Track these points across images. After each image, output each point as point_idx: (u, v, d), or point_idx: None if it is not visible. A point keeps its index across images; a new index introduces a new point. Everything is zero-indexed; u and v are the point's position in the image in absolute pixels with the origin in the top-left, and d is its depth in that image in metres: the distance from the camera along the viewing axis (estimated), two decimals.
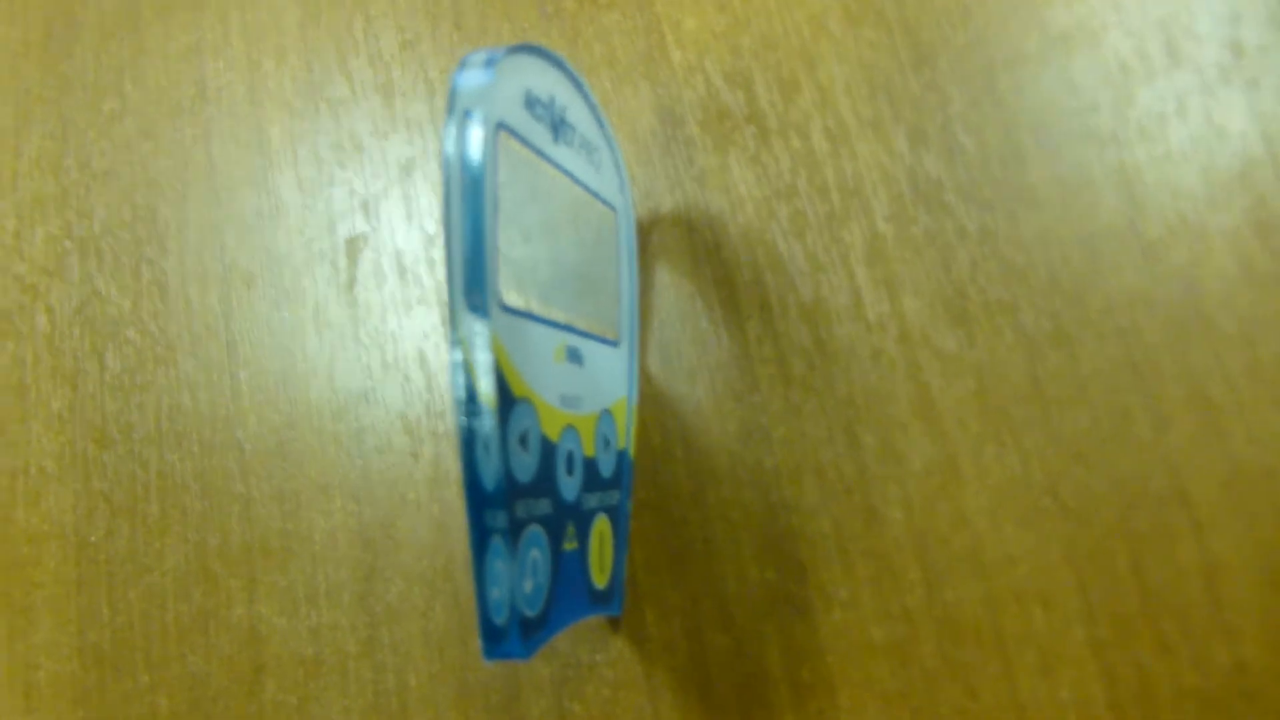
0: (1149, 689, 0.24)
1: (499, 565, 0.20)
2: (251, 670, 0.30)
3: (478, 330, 0.19)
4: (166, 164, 0.36)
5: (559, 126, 0.24)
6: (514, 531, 0.20)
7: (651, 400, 0.29)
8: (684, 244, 0.30)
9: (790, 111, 0.30)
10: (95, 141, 0.37)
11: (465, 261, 0.19)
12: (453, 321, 0.19)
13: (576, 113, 0.26)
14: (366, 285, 0.32)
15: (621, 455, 0.27)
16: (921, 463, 0.27)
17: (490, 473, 0.19)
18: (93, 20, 0.38)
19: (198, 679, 0.30)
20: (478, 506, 0.19)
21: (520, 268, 0.22)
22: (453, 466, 0.30)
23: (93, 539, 0.32)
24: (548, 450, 0.22)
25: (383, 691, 0.29)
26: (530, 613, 0.21)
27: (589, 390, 0.25)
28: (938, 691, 0.25)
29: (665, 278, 0.30)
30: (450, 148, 0.19)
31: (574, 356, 0.24)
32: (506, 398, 0.20)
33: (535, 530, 0.21)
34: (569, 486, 0.23)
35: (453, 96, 0.20)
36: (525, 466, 0.21)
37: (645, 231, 0.30)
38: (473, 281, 0.19)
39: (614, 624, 0.28)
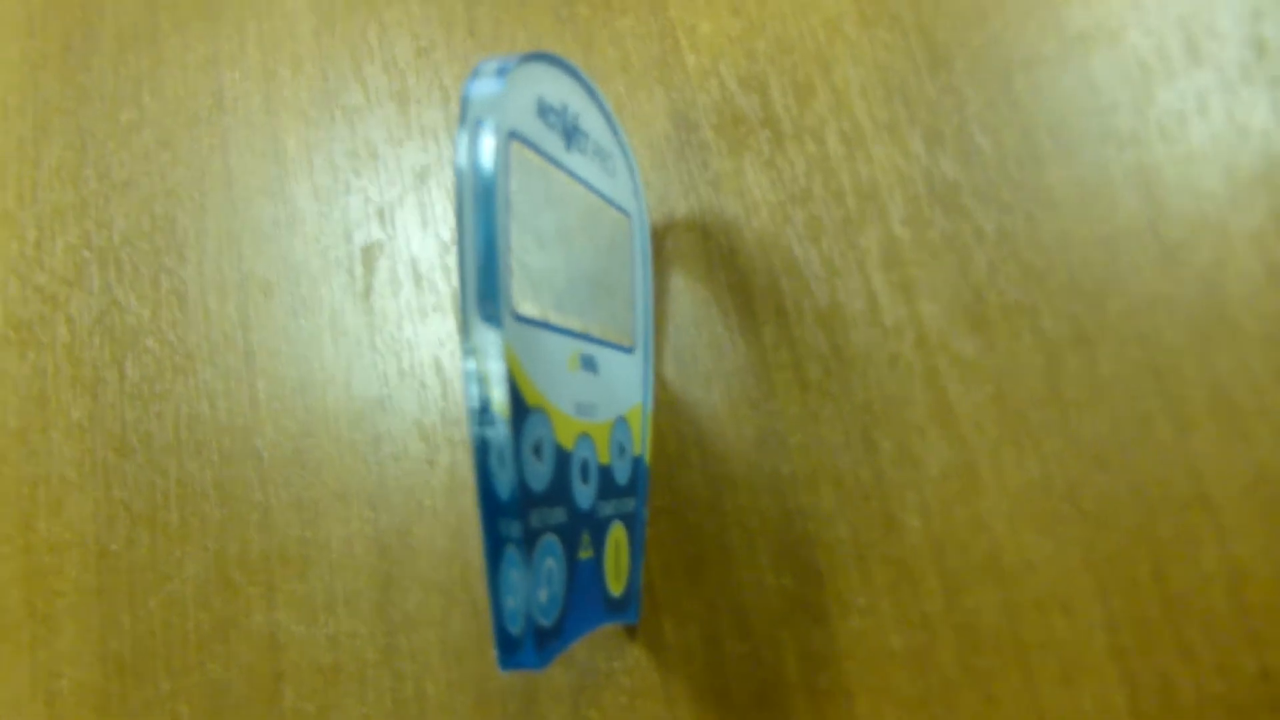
0: (1172, 697, 0.24)
1: (514, 575, 0.20)
2: (271, 678, 0.30)
3: (490, 340, 0.19)
4: (184, 174, 0.36)
5: (572, 134, 0.24)
6: (528, 541, 0.20)
7: (667, 407, 0.29)
8: (699, 249, 0.30)
9: (805, 115, 0.30)
10: (114, 152, 0.37)
11: (478, 271, 0.19)
12: (465, 331, 0.19)
13: (590, 119, 0.25)
14: (382, 293, 0.32)
15: (637, 462, 0.27)
16: (939, 468, 0.26)
17: (504, 482, 0.19)
18: (110, 32, 0.38)
19: (218, 687, 0.30)
20: (492, 516, 0.19)
21: (534, 276, 0.22)
22: (469, 474, 0.30)
23: (113, 547, 0.32)
24: (562, 459, 0.22)
25: (401, 700, 0.29)
26: (545, 622, 0.20)
27: (604, 398, 0.25)
28: (957, 699, 0.25)
29: (680, 283, 0.30)
30: (462, 157, 0.19)
31: (588, 364, 0.24)
32: (520, 407, 0.20)
33: (550, 539, 0.21)
34: (584, 495, 0.23)
35: (464, 106, 0.20)
36: (539, 476, 0.21)
37: (660, 237, 0.30)
38: (485, 291, 0.19)
39: (631, 632, 0.28)
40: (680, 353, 0.29)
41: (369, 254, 0.33)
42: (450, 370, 0.31)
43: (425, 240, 0.32)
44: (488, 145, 0.19)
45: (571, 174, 0.24)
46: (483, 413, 0.19)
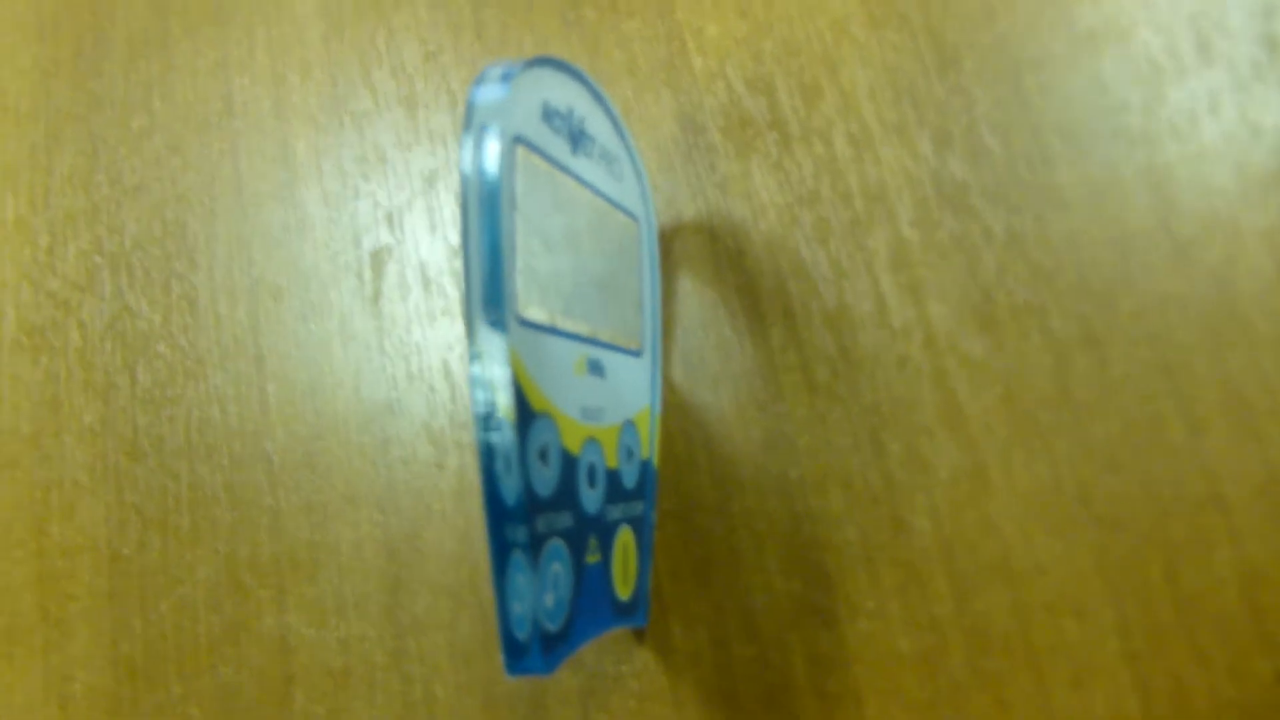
0: (1186, 701, 0.24)
1: (520, 580, 0.20)
2: (281, 681, 0.30)
3: (495, 345, 0.19)
4: (195, 179, 0.36)
5: (578, 138, 0.24)
6: (534, 546, 0.20)
7: (675, 410, 0.29)
8: (706, 252, 0.30)
9: (813, 117, 0.30)
10: (125, 158, 0.37)
11: (482, 276, 0.19)
12: (471, 337, 0.19)
13: (596, 123, 0.25)
14: (391, 297, 0.32)
15: (645, 466, 0.27)
16: (948, 471, 0.26)
17: (510, 488, 0.19)
18: (121, 38, 0.39)
19: (229, 690, 0.30)
20: (498, 522, 0.19)
21: (540, 281, 0.22)
22: (477, 477, 0.30)
23: (125, 551, 0.33)
24: (569, 464, 0.22)
25: (411, 703, 0.29)
26: (552, 627, 0.20)
27: (611, 402, 0.25)
28: (967, 703, 0.25)
29: (688, 286, 0.30)
30: (467, 163, 0.19)
31: (595, 368, 0.24)
32: (525, 412, 0.20)
33: (556, 544, 0.21)
34: (591, 499, 0.23)
35: (469, 111, 0.20)
36: (545, 481, 0.21)
37: (667, 240, 0.30)
38: (490, 296, 0.19)
39: (639, 635, 0.28)
40: (688, 355, 0.29)
41: (378, 258, 0.33)
42: (459, 374, 0.31)
43: (434, 244, 0.32)
44: (492, 150, 0.19)
45: (578, 178, 0.24)
46: (488, 418, 0.19)
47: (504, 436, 0.19)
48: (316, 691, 0.30)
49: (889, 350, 0.27)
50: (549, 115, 0.22)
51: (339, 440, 0.32)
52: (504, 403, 0.19)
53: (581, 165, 0.25)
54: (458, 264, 0.32)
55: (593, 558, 0.23)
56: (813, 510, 0.27)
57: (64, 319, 0.36)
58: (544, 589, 0.20)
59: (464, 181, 0.19)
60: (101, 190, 0.37)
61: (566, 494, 0.22)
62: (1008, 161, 0.28)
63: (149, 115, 0.37)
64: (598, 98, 0.26)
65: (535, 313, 0.21)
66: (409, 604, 0.30)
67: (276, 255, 0.34)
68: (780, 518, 0.27)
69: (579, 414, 0.23)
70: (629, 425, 0.26)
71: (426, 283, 0.32)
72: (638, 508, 0.26)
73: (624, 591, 0.25)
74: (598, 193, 0.26)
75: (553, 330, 0.22)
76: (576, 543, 0.22)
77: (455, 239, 0.32)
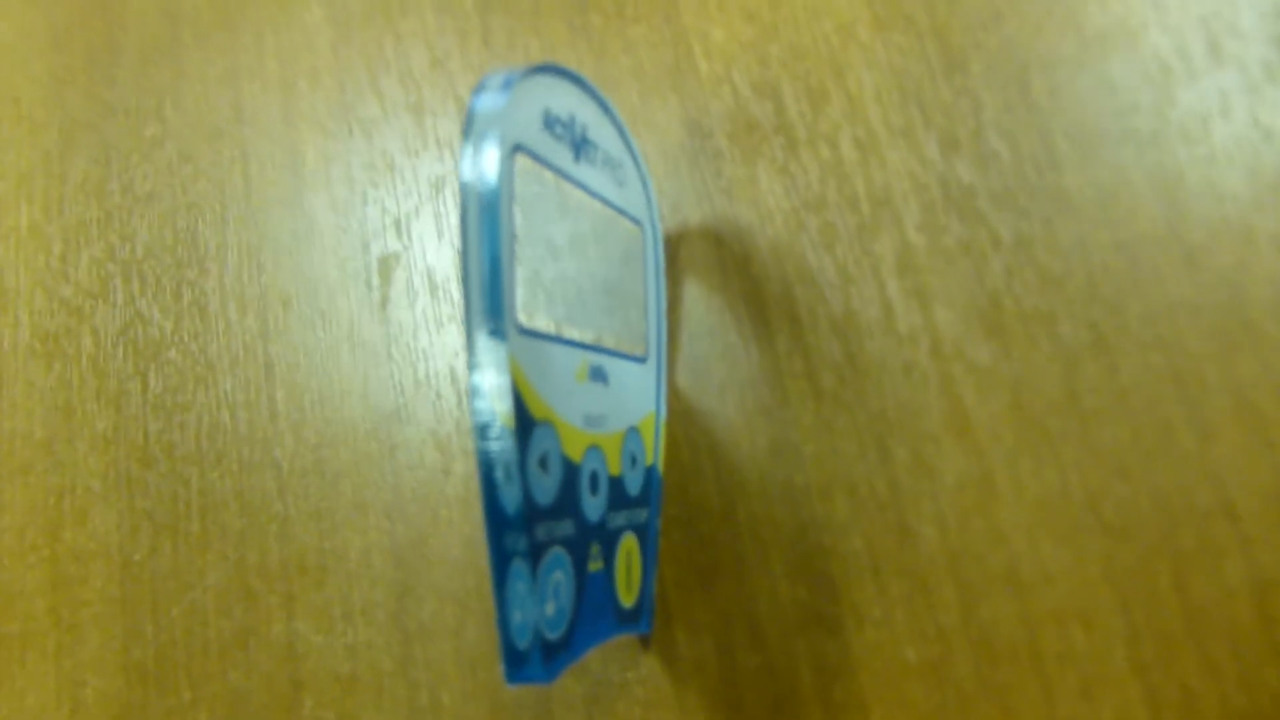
0: (1195, 712, 0.23)
1: (520, 589, 0.20)
2: (290, 687, 0.30)
3: (494, 353, 0.19)
4: (205, 186, 0.36)
5: (580, 145, 0.24)
6: (535, 555, 0.20)
7: (680, 416, 0.29)
8: (712, 258, 0.30)
9: (819, 121, 0.30)
10: (137, 165, 0.37)
11: (481, 284, 0.19)
12: (470, 346, 0.19)
13: (599, 130, 0.25)
14: (399, 303, 0.32)
15: (650, 472, 0.27)
16: (955, 478, 0.26)
17: (509, 497, 0.19)
18: (133, 46, 0.39)
19: (238, 695, 0.31)
20: (497, 531, 0.19)
21: (541, 289, 0.22)
22: None
23: (136, 557, 0.33)
24: (570, 471, 0.22)
25: (417, 709, 0.29)
26: (552, 636, 0.20)
27: (614, 409, 0.25)
28: (974, 712, 0.25)
29: (694, 292, 0.30)
30: (466, 172, 0.19)
31: (598, 375, 0.24)
32: (525, 421, 0.20)
33: (557, 552, 0.21)
34: (593, 507, 0.23)
35: (469, 120, 0.20)
36: (545, 489, 0.21)
37: (673, 246, 0.30)
38: (489, 304, 0.19)
39: (644, 642, 0.28)
40: (694, 362, 0.29)
41: (386, 265, 0.33)
42: (465, 380, 0.31)
43: (441, 250, 0.32)
44: (491, 159, 0.19)
45: (580, 185, 0.24)
46: (487, 427, 0.19)
47: (503, 445, 0.19)
48: (324, 697, 0.30)
49: (895, 356, 0.27)
50: (550, 123, 0.22)
51: (347, 447, 0.32)
52: (503, 411, 0.19)
53: (584, 172, 0.25)
54: None
55: (595, 565, 0.23)
56: (819, 517, 0.27)
57: (77, 326, 0.36)
58: (544, 598, 0.20)
59: (463, 190, 0.19)
60: (114, 198, 0.37)
61: (568, 502, 0.22)
62: (1015, 165, 0.27)
63: (161, 123, 0.38)
64: (601, 104, 0.25)
65: (536, 320, 0.21)
66: (416, 610, 0.30)
67: (286, 262, 0.34)
68: (786, 525, 0.27)
69: (581, 421, 0.23)
70: (633, 432, 0.26)
71: (434, 289, 0.32)
72: (642, 515, 0.26)
73: (627, 599, 0.25)
74: (601, 199, 0.26)
75: (554, 338, 0.22)
76: (578, 550, 0.22)
77: None
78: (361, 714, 0.29)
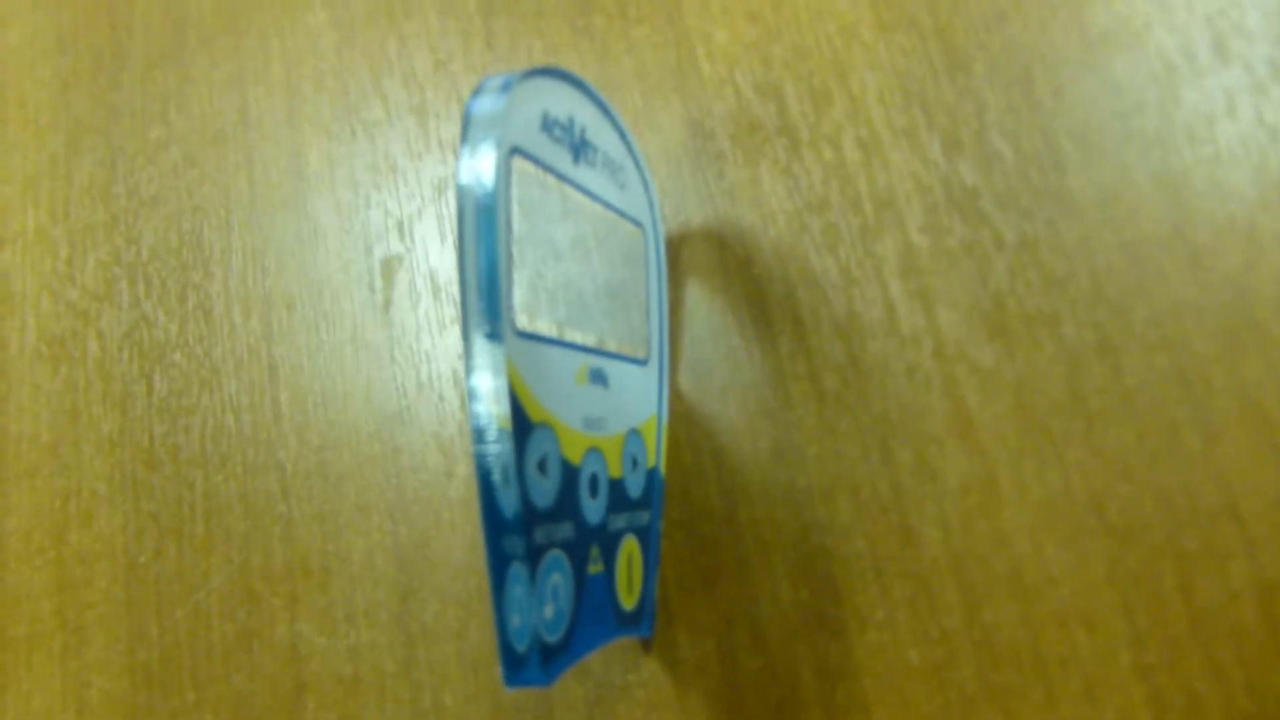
0: (1200, 716, 0.23)
1: (518, 591, 0.20)
2: (293, 689, 0.30)
3: (491, 356, 0.19)
4: (210, 190, 0.36)
5: (579, 147, 0.24)
6: (533, 557, 0.20)
7: (682, 418, 0.29)
8: (715, 260, 0.30)
9: (822, 122, 0.30)
10: (143, 169, 0.37)
11: (478, 287, 0.19)
12: (467, 348, 0.19)
13: (599, 132, 0.25)
14: (402, 306, 0.32)
15: (651, 474, 0.27)
16: (959, 480, 0.26)
17: (507, 500, 0.19)
18: (139, 50, 0.39)
19: (242, 697, 0.31)
20: (495, 534, 0.19)
21: (540, 291, 0.22)
22: None
23: (141, 559, 0.33)
24: (569, 474, 0.22)
25: (420, 711, 0.29)
26: (551, 639, 0.20)
27: (614, 411, 0.25)
28: (977, 716, 0.25)
29: (696, 294, 0.30)
30: (462, 175, 0.19)
31: (597, 378, 0.24)
32: (523, 423, 0.20)
33: (556, 555, 0.21)
34: (593, 509, 0.23)
35: (466, 123, 0.20)
36: (544, 492, 0.21)
37: (675, 248, 0.30)
38: (485, 307, 0.19)
39: (646, 645, 0.28)
40: (696, 364, 0.29)
41: (389, 267, 0.33)
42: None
43: (444, 253, 0.32)
44: (487, 162, 0.19)
45: (580, 188, 0.24)
46: (484, 430, 0.19)
47: (501, 448, 0.19)
48: (327, 699, 0.30)
49: (898, 358, 0.27)
50: (549, 125, 0.22)
51: (350, 449, 0.32)
52: (501, 414, 0.19)
53: (583, 174, 0.24)
54: None
55: (595, 568, 0.23)
56: (821, 520, 0.27)
57: (83, 329, 0.36)
58: (543, 600, 0.20)
59: (460, 193, 0.19)
60: (120, 201, 0.37)
61: (567, 504, 0.22)
62: (1019, 166, 0.27)
63: (166, 127, 0.38)
64: (600, 106, 0.25)
65: (532, 323, 0.21)
66: (418, 612, 0.30)
67: (289, 265, 0.34)
68: (788, 527, 0.27)
69: (580, 424, 0.23)
70: (634, 434, 0.26)
71: (436, 291, 0.32)
72: (643, 517, 0.26)
73: (628, 602, 0.25)
74: (601, 202, 0.26)
75: (552, 340, 0.22)
76: (578, 553, 0.22)
77: None
78: (364, 716, 0.29)
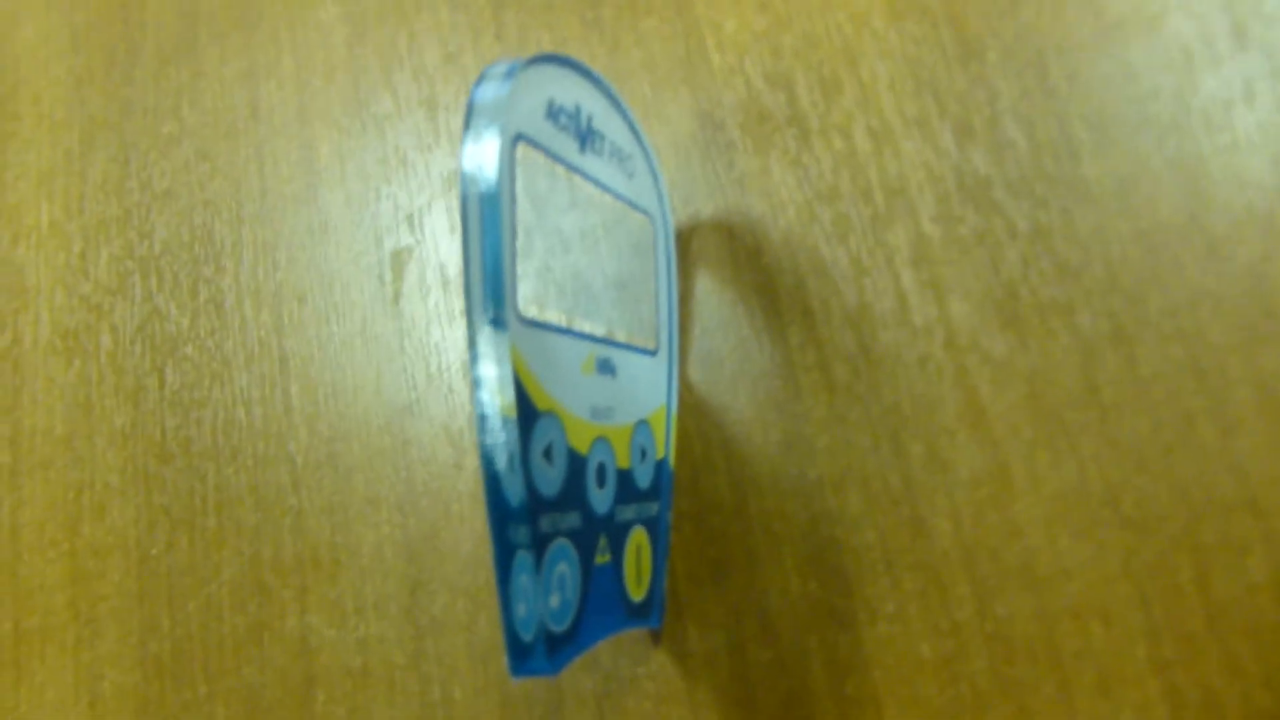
0: (1217, 712, 0.23)
1: (524, 580, 0.19)
2: (303, 681, 0.30)
3: (495, 343, 0.19)
4: (222, 184, 0.36)
5: (586, 136, 0.24)
6: (539, 546, 0.20)
7: (692, 410, 0.29)
8: (724, 250, 0.29)
9: (832, 111, 0.29)
10: (155, 163, 0.38)
11: (482, 274, 0.19)
12: (470, 334, 0.19)
13: (606, 120, 0.25)
14: (411, 298, 0.32)
15: (660, 466, 0.27)
16: (971, 472, 0.26)
17: (512, 488, 0.19)
18: (152, 46, 0.39)
19: (252, 690, 0.31)
20: (500, 522, 0.19)
21: (545, 279, 0.22)
22: None
23: (153, 552, 0.33)
24: (576, 463, 0.22)
25: (429, 703, 0.29)
26: (557, 628, 0.20)
27: (622, 401, 0.25)
28: (989, 710, 0.24)
29: (705, 285, 0.29)
30: (466, 161, 0.19)
31: (605, 368, 0.24)
32: (528, 411, 0.20)
33: (562, 544, 0.21)
34: (600, 499, 0.23)
35: (469, 110, 0.20)
36: (550, 480, 0.21)
37: (685, 238, 0.30)
38: (489, 294, 0.19)
39: (655, 637, 0.27)
40: (705, 355, 0.29)
41: (398, 259, 0.33)
42: None
43: (453, 245, 0.32)
44: (490, 148, 0.19)
45: (587, 176, 0.24)
46: (489, 417, 0.19)
47: (506, 435, 0.19)
48: (337, 692, 0.30)
49: (910, 349, 0.27)
50: (554, 113, 0.22)
51: (360, 441, 0.32)
52: (505, 401, 0.19)
53: (590, 163, 0.24)
54: None
55: (602, 558, 0.23)
56: (831, 512, 0.27)
57: (96, 323, 0.36)
58: (549, 590, 0.20)
59: (463, 180, 0.19)
60: (132, 196, 0.38)
61: (573, 494, 0.22)
62: (1032, 154, 0.27)
63: (178, 122, 0.38)
64: (608, 94, 0.25)
65: (538, 311, 0.21)
66: (428, 605, 0.30)
67: (300, 258, 0.34)
68: (798, 519, 0.27)
69: (588, 413, 0.23)
70: (643, 425, 0.26)
71: (446, 283, 0.32)
72: (652, 508, 0.26)
73: (637, 593, 0.25)
74: (608, 190, 0.25)
75: (558, 328, 0.22)
76: (585, 543, 0.22)
77: None
78: (373, 708, 0.29)
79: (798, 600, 0.26)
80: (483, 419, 0.19)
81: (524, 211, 0.22)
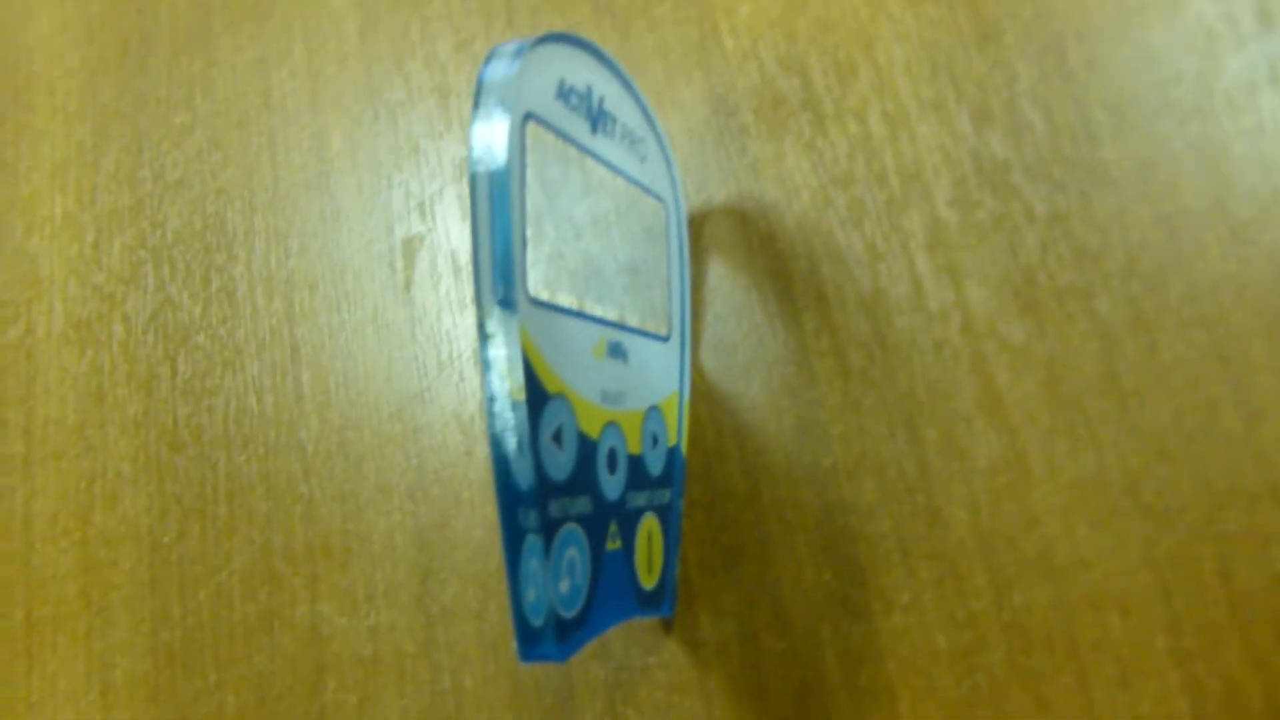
0: (1239, 704, 0.22)
1: (533, 565, 0.19)
2: (314, 669, 0.30)
3: (505, 324, 0.19)
4: (234, 173, 0.36)
5: (598, 117, 0.24)
6: (548, 531, 0.19)
7: (705, 396, 0.28)
8: (738, 235, 0.29)
9: (847, 95, 0.29)
10: (168, 153, 0.38)
11: (491, 254, 0.19)
12: (479, 315, 0.19)
13: (618, 103, 0.25)
14: (423, 286, 0.32)
15: (672, 453, 0.27)
16: (988, 460, 0.25)
17: (521, 471, 0.19)
18: (165, 36, 0.39)
19: (263, 678, 0.31)
20: (509, 505, 0.19)
21: (555, 262, 0.22)
22: None
23: (165, 540, 0.33)
24: (586, 448, 0.22)
25: (439, 692, 0.29)
26: (567, 614, 0.20)
27: (634, 386, 0.25)
28: (1006, 701, 0.24)
29: (719, 270, 0.29)
30: (475, 139, 0.19)
31: (616, 352, 0.24)
32: (538, 394, 0.20)
33: (572, 529, 0.21)
34: (611, 485, 0.23)
35: (478, 88, 0.19)
36: (560, 464, 0.20)
37: (698, 223, 0.30)
38: (498, 274, 0.19)
39: (667, 626, 0.27)
40: (718, 341, 0.29)
41: (410, 247, 0.33)
42: None
43: (464, 232, 0.32)
44: (499, 127, 0.19)
45: (598, 158, 0.24)
46: (498, 399, 0.19)
47: (515, 417, 0.19)
48: (347, 680, 0.30)
49: (926, 335, 0.27)
50: (565, 93, 0.22)
51: (371, 429, 0.31)
52: (514, 383, 0.19)
53: (601, 145, 0.24)
54: None
55: (613, 545, 0.23)
56: (846, 500, 0.26)
57: (109, 312, 0.36)
58: (558, 575, 0.20)
59: (472, 159, 0.19)
60: (145, 186, 0.38)
61: (584, 478, 0.21)
62: (1051, 137, 0.27)
63: (191, 111, 0.38)
64: (620, 76, 0.25)
65: (548, 293, 0.21)
66: (438, 593, 0.29)
67: (312, 246, 0.34)
68: (812, 507, 0.27)
69: (599, 397, 0.22)
70: (655, 411, 0.26)
71: (457, 271, 0.32)
72: (664, 496, 0.26)
73: (648, 581, 0.25)
74: (621, 174, 0.25)
75: (568, 311, 0.22)
76: (595, 529, 0.22)
77: None
78: (384, 696, 0.29)
79: (811, 589, 0.26)
80: (491, 401, 0.19)
81: (536, 196, 0.21)
